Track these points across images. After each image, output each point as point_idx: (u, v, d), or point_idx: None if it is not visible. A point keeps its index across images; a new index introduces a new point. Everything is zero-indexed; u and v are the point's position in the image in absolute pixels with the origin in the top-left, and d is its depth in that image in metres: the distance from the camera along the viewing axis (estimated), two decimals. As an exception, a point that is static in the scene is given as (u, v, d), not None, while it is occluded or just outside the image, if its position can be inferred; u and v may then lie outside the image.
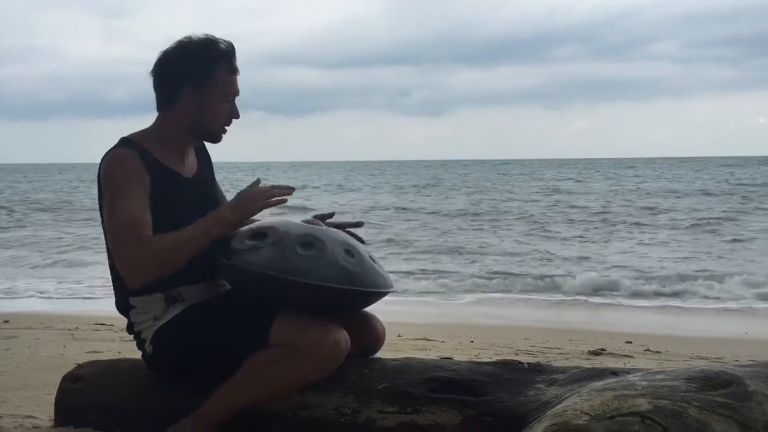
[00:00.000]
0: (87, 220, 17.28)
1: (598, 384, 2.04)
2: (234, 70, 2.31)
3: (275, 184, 2.30)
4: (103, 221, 2.29)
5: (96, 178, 2.32)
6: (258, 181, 2.31)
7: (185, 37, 2.30)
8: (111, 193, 2.22)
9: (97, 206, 2.33)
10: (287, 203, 2.29)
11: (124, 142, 2.31)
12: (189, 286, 2.30)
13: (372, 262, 2.30)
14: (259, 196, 2.23)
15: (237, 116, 2.35)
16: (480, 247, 12.22)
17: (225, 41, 2.31)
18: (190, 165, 2.41)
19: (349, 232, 2.42)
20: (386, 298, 2.31)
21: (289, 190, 2.28)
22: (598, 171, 50.28)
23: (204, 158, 2.49)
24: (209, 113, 2.30)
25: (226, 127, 2.36)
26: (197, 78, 2.26)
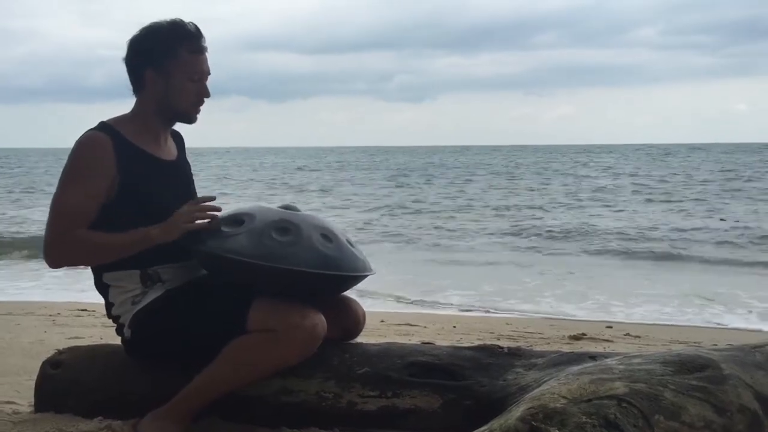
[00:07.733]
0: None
1: (575, 368, 2.06)
2: (197, 50, 2.30)
3: (203, 203, 2.25)
4: None
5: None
6: (212, 198, 2.27)
7: (151, 22, 2.31)
8: (64, 174, 2.25)
9: None
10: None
11: (102, 126, 2.32)
12: (165, 266, 2.30)
13: (350, 246, 2.31)
14: (182, 219, 2.20)
15: (207, 95, 2.34)
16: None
17: (189, 23, 2.31)
18: (168, 149, 2.43)
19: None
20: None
21: (212, 208, 2.23)
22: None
23: (179, 144, 2.51)
24: (175, 94, 2.29)
25: (198, 107, 2.35)
26: (158, 60, 2.27)
